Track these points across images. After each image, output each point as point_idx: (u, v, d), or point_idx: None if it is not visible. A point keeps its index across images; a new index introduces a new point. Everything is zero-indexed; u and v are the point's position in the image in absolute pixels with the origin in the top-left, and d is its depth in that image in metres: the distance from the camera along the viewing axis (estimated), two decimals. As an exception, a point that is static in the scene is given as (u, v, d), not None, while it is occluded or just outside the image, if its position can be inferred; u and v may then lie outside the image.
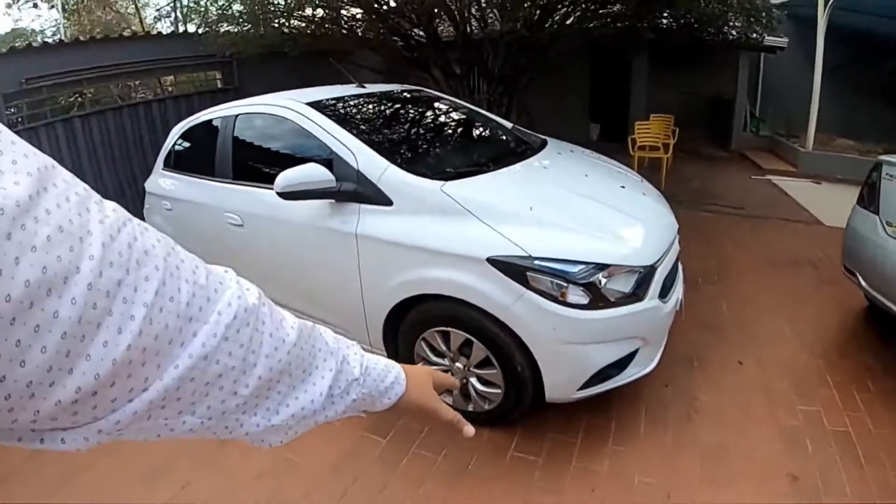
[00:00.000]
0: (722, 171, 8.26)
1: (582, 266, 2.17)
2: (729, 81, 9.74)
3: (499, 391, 2.44)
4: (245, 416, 0.49)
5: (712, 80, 10.13)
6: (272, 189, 2.61)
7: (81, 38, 6.51)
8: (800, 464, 2.29)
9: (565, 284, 2.14)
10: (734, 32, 7.27)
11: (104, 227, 0.35)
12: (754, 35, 7.22)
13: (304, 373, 0.55)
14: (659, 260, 2.41)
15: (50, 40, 7.09)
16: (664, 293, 2.45)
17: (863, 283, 3.14)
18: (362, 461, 2.53)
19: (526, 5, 5.77)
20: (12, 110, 5.36)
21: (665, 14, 6.81)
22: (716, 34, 7.16)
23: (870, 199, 3.19)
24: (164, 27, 16.36)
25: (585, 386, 2.30)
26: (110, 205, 0.38)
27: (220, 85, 7.51)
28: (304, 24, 6.96)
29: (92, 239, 0.33)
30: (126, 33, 7.66)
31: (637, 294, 2.28)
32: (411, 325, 2.59)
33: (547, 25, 6.32)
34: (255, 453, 2.66)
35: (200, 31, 7.04)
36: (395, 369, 0.71)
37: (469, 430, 0.81)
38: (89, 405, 0.35)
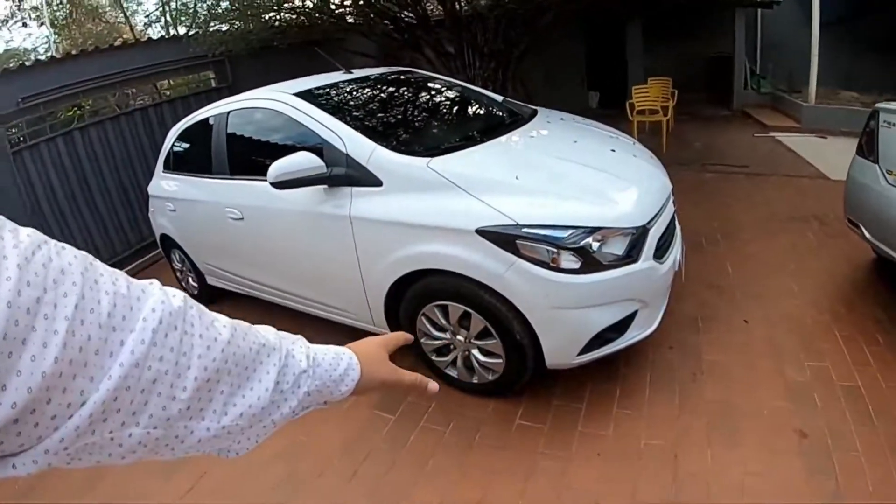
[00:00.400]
0: (724, 131, 8.16)
1: (571, 231, 2.18)
2: (727, 40, 9.57)
3: (500, 361, 2.48)
4: (193, 421, 0.49)
5: (710, 39, 9.97)
6: (266, 180, 2.65)
7: (73, 52, 6.53)
8: (808, 420, 2.27)
9: (555, 250, 2.15)
10: None
11: (18, 250, 0.37)
12: None
13: (246, 370, 0.55)
14: (651, 221, 2.40)
15: (42, 57, 7.14)
16: (660, 254, 2.45)
17: (867, 234, 3.06)
18: (372, 439, 2.59)
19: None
20: (13, 130, 5.43)
21: None
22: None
23: (868, 148, 3.11)
24: (155, 32, 16.35)
25: (585, 350, 2.32)
26: (25, 231, 0.40)
27: (214, 84, 7.51)
28: (293, 16, 6.95)
29: (8, 263, 0.36)
30: (117, 42, 7.67)
31: (631, 256, 2.28)
32: (410, 301, 2.63)
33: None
34: (269, 438, 2.72)
35: (190, 32, 7.04)
36: (346, 355, 0.71)
37: (433, 386, 0.82)
38: (31, 423, 0.37)
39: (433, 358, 2.77)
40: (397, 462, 2.42)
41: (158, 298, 0.46)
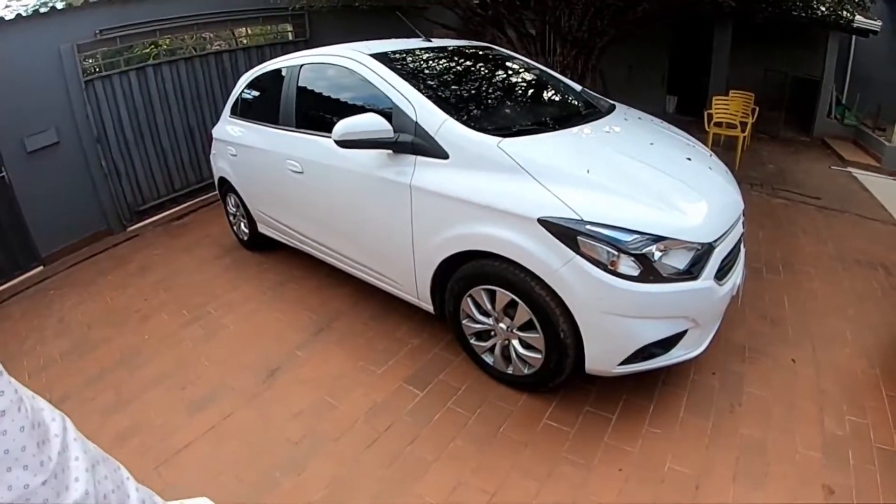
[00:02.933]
0: (800, 157, 7.80)
1: (636, 236, 2.08)
2: (816, 63, 9.10)
3: (539, 356, 2.42)
4: None
5: (799, 59, 9.48)
6: (331, 137, 2.64)
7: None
8: (838, 477, 2.15)
9: (616, 253, 2.07)
10: (823, 9, 6.75)
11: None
12: (844, 14, 6.68)
13: None
14: (719, 239, 2.28)
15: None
16: (721, 275, 2.33)
17: None
18: (397, 411, 2.59)
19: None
20: (89, 60, 5.60)
21: None
22: (803, 9, 6.67)
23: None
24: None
25: (627, 361, 2.24)
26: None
27: (291, 37, 7.60)
28: (378, -22, 6.91)
29: None
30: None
31: (691, 272, 2.18)
32: (459, 280, 2.59)
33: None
34: (297, 393, 2.77)
35: (275, -16, 7.10)
36: None
37: None
38: None
39: (472, 341, 2.73)
40: (419, 438, 2.41)
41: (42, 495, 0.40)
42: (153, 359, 3.28)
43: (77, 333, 3.80)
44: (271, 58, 4.26)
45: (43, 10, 5.18)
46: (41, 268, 5.25)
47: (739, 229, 2.60)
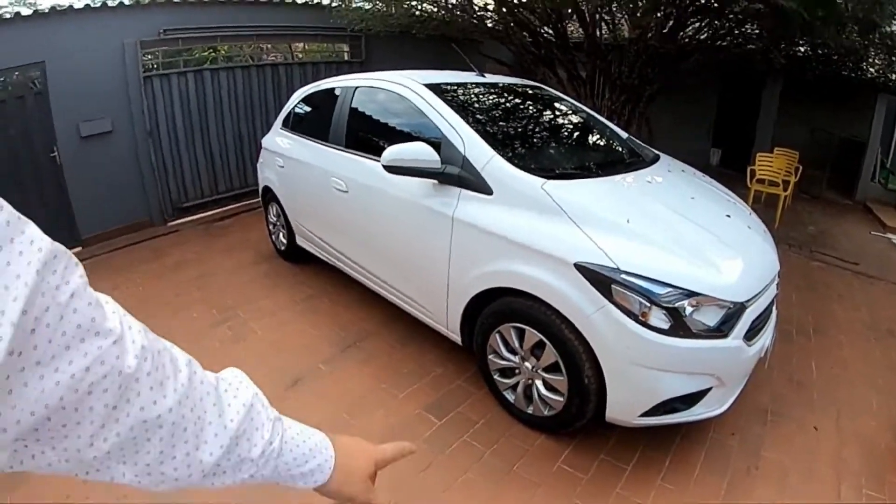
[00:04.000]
0: (841, 220, 7.66)
1: (669, 289, 2.10)
2: (863, 125, 8.95)
3: (561, 399, 2.43)
4: (111, 462, 0.49)
5: (846, 120, 9.34)
6: (379, 161, 2.72)
7: (221, -1, 6.98)
8: None
9: (648, 304, 2.08)
10: (873, 70, 6.70)
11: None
12: (894, 76, 6.63)
13: (187, 444, 0.53)
14: (752, 299, 2.28)
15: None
16: (751, 335, 2.32)
17: None
18: (413, 436, 2.59)
19: (657, 15, 5.60)
20: (149, 57, 5.85)
21: (801, 41, 6.37)
22: (853, 69, 6.63)
23: None
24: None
25: (648, 413, 2.23)
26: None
27: (347, 57, 7.81)
28: (434, 9, 7.10)
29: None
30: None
31: (721, 330, 2.18)
32: (490, 315, 2.62)
33: (678, 38, 6.11)
34: (316, 406, 2.81)
35: (334, 3, 7.31)
36: (322, 455, 0.68)
37: None
38: None
39: (496, 377, 2.75)
40: (432, 465, 2.43)
41: (116, 351, 0.46)
42: (178, 353, 3.35)
43: (107, 318, 3.90)
44: (325, 75, 4.41)
45: (111, 3, 5.46)
46: (80, 249, 5.43)
47: (773, 290, 2.59)
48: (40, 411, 0.41)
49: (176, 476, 0.54)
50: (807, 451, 2.64)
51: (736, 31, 6.22)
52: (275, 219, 4.71)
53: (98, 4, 5.34)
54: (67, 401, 0.42)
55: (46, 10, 4.99)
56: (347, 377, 3.09)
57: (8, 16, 4.73)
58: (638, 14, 5.55)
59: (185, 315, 3.88)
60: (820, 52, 6.47)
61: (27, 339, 0.38)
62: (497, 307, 2.57)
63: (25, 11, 4.94)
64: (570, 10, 6.22)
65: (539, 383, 2.53)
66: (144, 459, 0.51)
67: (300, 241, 4.34)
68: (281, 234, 4.65)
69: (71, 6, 5.15)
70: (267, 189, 4.59)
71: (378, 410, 2.79)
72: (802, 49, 6.65)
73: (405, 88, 3.15)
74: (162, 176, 6.13)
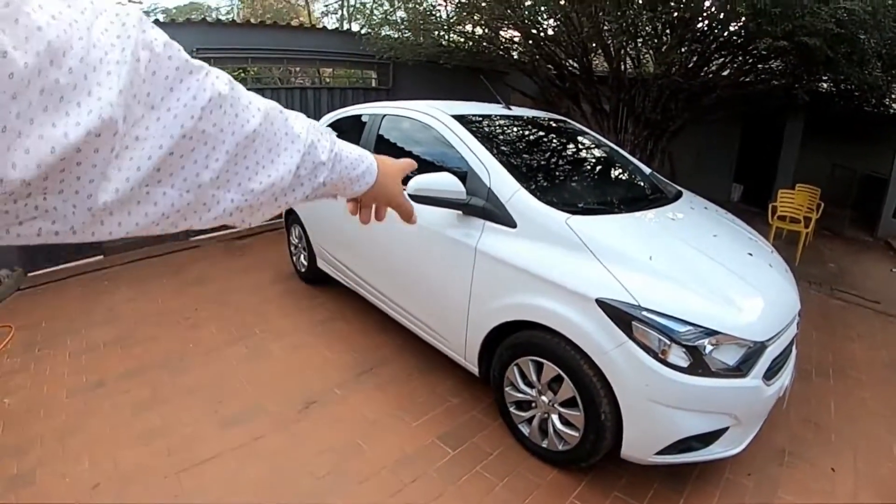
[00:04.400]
0: (862, 258, 7.58)
1: (690, 327, 2.11)
2: (885, 161, 8.90)
3: (577, 434, 2.42)
4: (220, 191, 0.55)
5: (868, 157, 9.29)
6: (405, 189, 2.76)
7: (252, 21, 7.16)
8: None
9: (668, 342, 2.09)
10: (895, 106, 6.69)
11: (84, 17, 0.40)
12: None
13: (271, 152, 0.60)
14: (772, 338, 2.28)
15: (223, 18, 7.84)
16: (770, 375, 2.31)
17: None
18: (426, 465, 2.61)
19: (682, 51, 5.66)
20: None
21: (824, 78, 6.38)
22: (876, 105, 6.61)
23: None
24: (330, 23, 17.57)
25: (664, 451, 2.22)
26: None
27: (374, 84, 7.96)
28: (462, 40, 7.23)
29: (78, 26, 0.39)
30: (294, 23, 8.30)
31: (741, 369, 2.18)
32: (509, 348, 2.63)
33: (702, 74, 6.15)
34: (329, 430, 2.82)
35: (363, 31, 7.48)
36: (367, 160, 0.79)
37: (414, 220, 0.95)
38: (89, 162, 0.40)
39: (511, 409, 2.75)
40: (443, 495, 2.42)
41: (210, 79, 0.52)
42: (194, 367, 3.40)
43: (124, 326, 3.97)
44: (353, 100, 4.49)
45: (147, 21, 5.62)
46: (101, 257, 5.56)
47: (794, 330, 2.58)
48: (166, 144, 0.47)
49: (272, 188, 0.61)
50: (823, 493, 2.60)
51: (759, 67, 6.26)
52: (297, 240, 4.77)
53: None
54: (185, 129, 0.48)
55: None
56: (362, 403, 3.10)
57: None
58: (663, 49, 5.61)
59: (204, 330, 3.93)
60: (843, 87, 6.47)
61: (141, 87, 0.44)
62: (516, 340, 2.59)
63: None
64: (595, 45, 6.30)
65: (555, 417, 2.52)
66: (245, 176, 0.58)
67: (321, 265, 4.40)
68: (302, 256, 4.71)
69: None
70: (290, 211, 4.66)
71: (392, 437, 2.80)
72: (825, 85, 6.65)
73: (432, 118, 3.21)
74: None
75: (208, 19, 6.41)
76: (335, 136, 0.75)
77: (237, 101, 0.55)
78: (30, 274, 4.99)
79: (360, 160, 0.77)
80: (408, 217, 0.93)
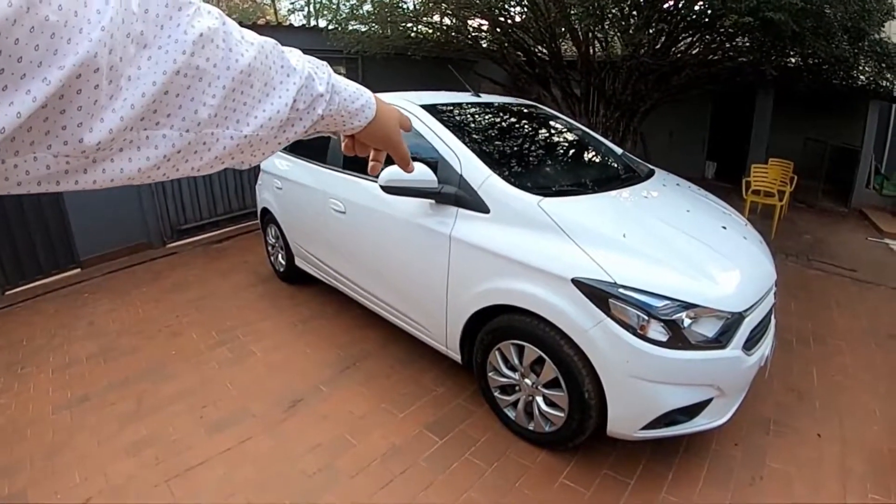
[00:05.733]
0: (837, 228, 7.70)
1: (667, 302, 2.12)
2: (856, 132, 9.03)
3: (562, 415, 2.43)
4: (219, 129, 0.54)
5: (839, 128, 9.43)
6: (377, 182, 2.75)
7: (216, 23, 7.02)
8: None
9: (646, 318, 2.10)
10: (863, 78, 6.77)
11: None
12: (884, 83, 6.69)
13: (267, 86, 0.59)
14: (749, 309, 2.30)
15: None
16: (750, 345, 2.34)
17: None
18: (415, 456, 2.61)
19: (649, 32, 5.68)
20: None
21: (792, 52, 6.44)
22: (844, 78, 6.69)
23: None
24: (297, 20, 17.42)
25: (649, 426, 2.24)
26: None
27: (343, 79, 7.91)
28: (430, 31, 7.19)
29: None
30: (260, 22, 8.18)
31: (720, 341, 2.20)
32: (489, 333, 2.64)
33: (670, 54, 6.18)
34: (317, 427, 2.81)
35: (330, 27, 7.40)
36: (366, 94, 0.76)
37: (410, 168, 0.91)
38: (85, 96, 0.39)
39: (496, 394, 2.76)
40: (434, 484, 2.43)
41: (201, 14, 0.50)
42: (178, 375, 3.37)
43: (106, 339, 3.91)
44: (323, 98, 4.43)
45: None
46: (78, 270, 5.42)
47: (771, 300, 2.61)
48: (160, 80, 0.45)
49: (270, 123, 0.60)
50: (810, 459, 2.64)
51: (727, 45, 6.29)
52: (273, 240, 4.73)
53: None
54: (178, 65, 0.47)
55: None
56: (348, 398, 3.08)
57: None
58: (630, 31, 5.62)
59: (185, 337, 3.89)
60: (810, 62, 6.52)
61: (133, 26, 0.43)
62: (496, 325, 2.59)
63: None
64: (563, 29, 6.30)
65: (539, 399, 2.53)
66: (243, 111, 0.56)
67: (299, 263, 4.36)
68: (280, 256, 4.67)
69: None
70: (265, 211, 4.62)
71: (379, 430, 2.80)
72: (793, 60, 6.70)
73: (401, 110, 3.17)
74: (161, 198, 6.15)
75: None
76: (328, 68, 0.73)
77: (229, 36, 0.54)
78: (7, 293, 4.88)
79: (359, 93, 0.76)
80: (405, 163, 0.91)
